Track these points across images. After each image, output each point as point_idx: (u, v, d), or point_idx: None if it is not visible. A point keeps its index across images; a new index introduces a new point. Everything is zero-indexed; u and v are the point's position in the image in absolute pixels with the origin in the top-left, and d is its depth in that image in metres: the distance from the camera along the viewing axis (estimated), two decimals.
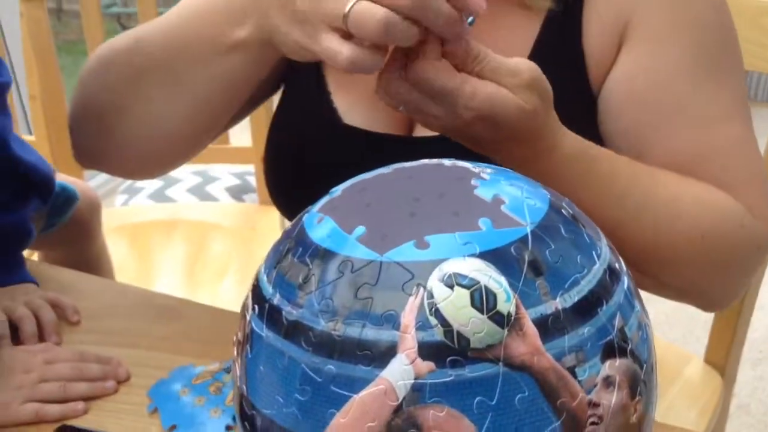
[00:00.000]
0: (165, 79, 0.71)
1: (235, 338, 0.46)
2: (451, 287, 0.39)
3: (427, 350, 0.38)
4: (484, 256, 0.39)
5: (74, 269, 0.89)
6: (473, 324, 0.38)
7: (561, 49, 0.70)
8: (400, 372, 0.38)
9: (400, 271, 0.40)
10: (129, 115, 0.73)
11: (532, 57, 0.67)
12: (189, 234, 1.47)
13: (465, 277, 0.39)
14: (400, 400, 0.38)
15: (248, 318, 0.45)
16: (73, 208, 0.96)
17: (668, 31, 0.68)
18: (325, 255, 0.42)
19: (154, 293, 0.85)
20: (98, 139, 0.76)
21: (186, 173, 1.71)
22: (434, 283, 0.39)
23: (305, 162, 0.79)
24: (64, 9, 4.51)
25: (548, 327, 0.39)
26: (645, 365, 0.43)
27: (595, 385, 0.40)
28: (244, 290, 1.33)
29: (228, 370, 0.68)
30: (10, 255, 0.80)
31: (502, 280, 0.39)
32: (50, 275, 0.84)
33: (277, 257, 0.45)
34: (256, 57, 0.67)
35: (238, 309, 1.21)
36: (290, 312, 0.41)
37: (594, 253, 0.43)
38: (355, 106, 0.77)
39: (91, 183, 1.62)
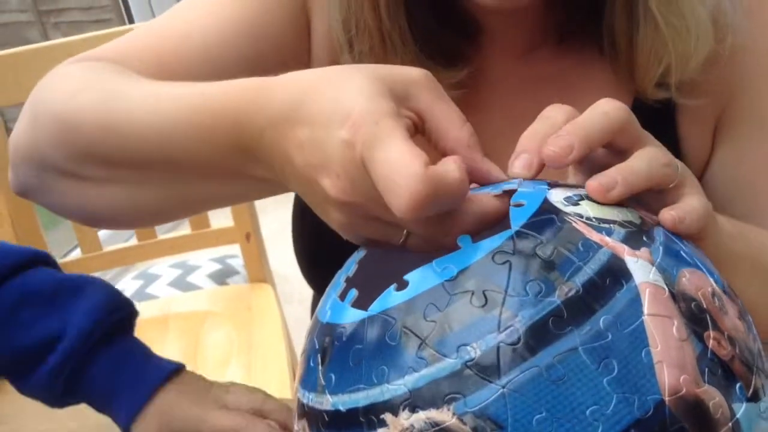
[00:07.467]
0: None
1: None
2: None
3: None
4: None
5: None
6: None
7: (655, 130, 0.66)
8: None
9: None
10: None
11: None
12: (182, 327, 1.41)
13: None
14: None
15: None
16: None
17: None
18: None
19: None
20: (41, 190, 0.60)
21: (164, 268, 1.66)
22: None
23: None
24: None
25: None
26: None
27: None
28: (253, 374, 1.24)
29: None
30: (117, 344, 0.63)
31: None
32: None
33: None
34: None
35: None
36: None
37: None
38: None
39: None
